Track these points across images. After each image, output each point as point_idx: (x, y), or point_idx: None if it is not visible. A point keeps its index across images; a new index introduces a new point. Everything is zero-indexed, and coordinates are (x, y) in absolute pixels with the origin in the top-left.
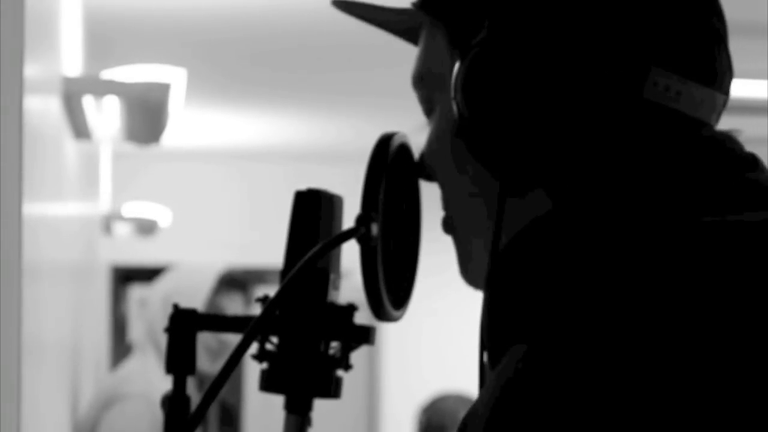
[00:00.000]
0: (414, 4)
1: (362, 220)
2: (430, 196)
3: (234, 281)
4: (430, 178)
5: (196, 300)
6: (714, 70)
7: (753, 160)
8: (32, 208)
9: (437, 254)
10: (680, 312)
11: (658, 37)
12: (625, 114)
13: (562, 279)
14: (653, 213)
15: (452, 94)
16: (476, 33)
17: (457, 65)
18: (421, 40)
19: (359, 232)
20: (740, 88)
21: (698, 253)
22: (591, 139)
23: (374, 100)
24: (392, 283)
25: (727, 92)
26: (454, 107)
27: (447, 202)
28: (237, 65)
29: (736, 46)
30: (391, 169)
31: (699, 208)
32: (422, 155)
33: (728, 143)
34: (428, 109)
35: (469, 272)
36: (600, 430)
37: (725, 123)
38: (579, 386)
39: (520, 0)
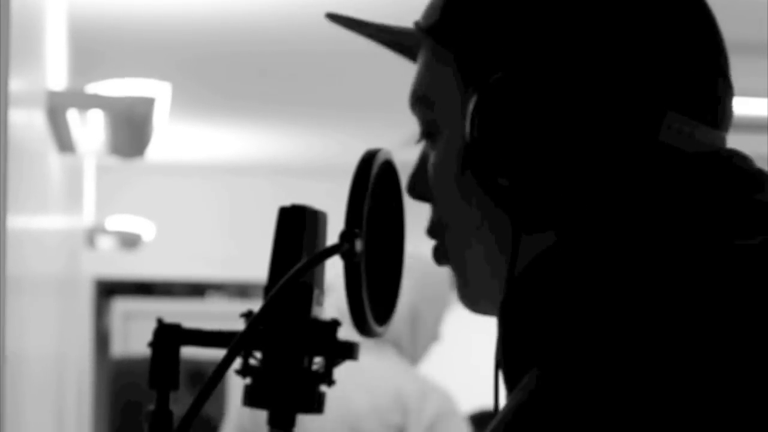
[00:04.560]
0: (420, 28)
1: (346, 236)
2: (415, 212)
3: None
4: (421, 198)
5: None
6: (722, 112)
7: (763, 179)
8: (16, 221)
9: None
10: (705, 340)
11: (672, 80)
12: (640, 156)
13: (580, 304)
14: (666, 238)
15: (467, 128)
16: (490, 67)
17: (473, 101)
18: (422, 61)
19: (343, 248)
20: (740, 106)
21: (718, 277)
22: (606, 181)
23: (360, 114)
24: (376, 298)
25: (727, 132)
26: (468, 140)
27: (443, 229)
28: (222, 79)
29: (736, 64)
30: (375, 185)
31: (708, 232)
32: (416, 177)
33: (736, 160)
34: (427, 132)
35: (468, 298)
36: None
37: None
38: (594, 412)
39: (540, 38)
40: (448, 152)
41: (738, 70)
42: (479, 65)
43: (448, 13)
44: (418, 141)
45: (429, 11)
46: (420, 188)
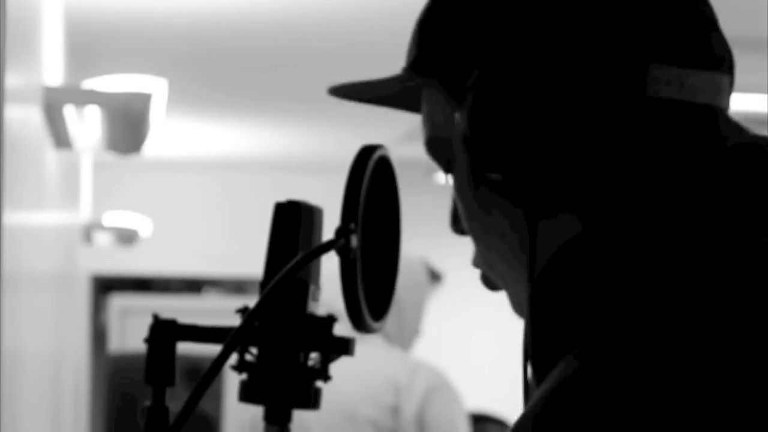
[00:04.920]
0: (404, 70)
1: (342, 231)
2: (411, 209)
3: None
4: (463, 233)
5: None
6: (711, 52)
7: None
8: (12, 218)
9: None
10: (738, 329)
11: (651, 32)
12: (633, 116)
13: (613, 293)
14: (695, 228)
15: (461, 142)
16: (468, 74)
17: (464, 110)
18: (423, 103)
19: (339, 243)
20: (740, 102)
21: (750, 271)
22: (607, 151)
23: (356, 110)
24: (371, 294)
25: (730, 72)
26: (465, 154)
27: (483, 260)
28: (218, 75)
29: (736, 61)
30: (371, 181)
31: (734, 226)
32: (455, 212)
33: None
34: (446, 168)
35: (518, 306)
36: None
37: None
38: (629, 400)
39: (506, 32)
40: (460, 172)
41: (738, 66)
42: (460, 80)
43: (421, 43)
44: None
45: (409, 50)
46: (460, 223)
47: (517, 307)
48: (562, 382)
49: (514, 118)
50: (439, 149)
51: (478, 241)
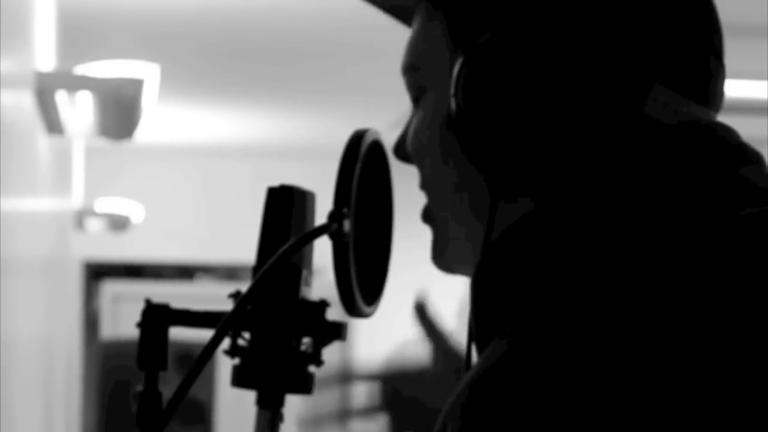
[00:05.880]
0: None
1: (334, 216)
2: (405, 194)
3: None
4: (406, 159)
5: None
6: (713, 90)
7: (746, 152)
8: (6, 203)
9: (410, 251)
10: (686, 307)
11: (663, 54)
12: (625, 128)
13: (554, 270)
14: (642, 207)
15: (452, 89)
16: (479, 28)
17: (459, 62)
18: (416, 25)
19: (331, 228)
20: (740, 89)
21: (696, 246)
22: (587, 151)
23: (346, 97)
24: (364, 279)
25: (718, 112)
26: (452, 102)
27: (427, 189)
28: (211, 61)
29: (736, 47)
30: (363, 165)
31: (688, 204)
32: (403, 139)
33: (720, 132)
34: (416, 97)
35: (443, 258)
36: (575, 422)
37: (725, 122)
38: (561, 377)
39: (526, 7)
40: (431, 112)
41: (738, 52)
42: (468, 26)
43: None
44: (412, 108)
45: None
46: (405, 150)
47: (440, 256)
48: (488, 368)
49: (512, 91)
50: (415, 76)
51: (430, 183)
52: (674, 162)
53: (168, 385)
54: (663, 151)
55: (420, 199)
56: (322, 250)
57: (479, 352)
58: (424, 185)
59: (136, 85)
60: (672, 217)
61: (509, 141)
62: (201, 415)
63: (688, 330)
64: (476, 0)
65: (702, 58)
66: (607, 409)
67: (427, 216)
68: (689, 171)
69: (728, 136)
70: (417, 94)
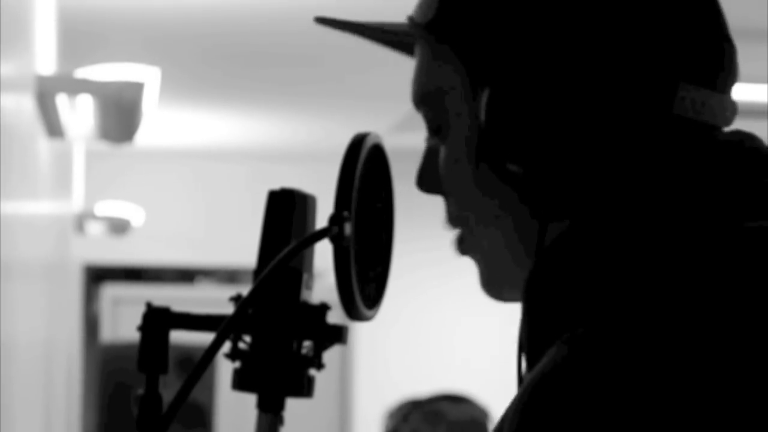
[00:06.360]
0: (417, 25)
1: (335, 219)
2: (405, 196)
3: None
4: (431, 191)
5: None
6: (729, 74)
7: None
8: (6, 207)
9: (410, 254)
10: (732, 316)
11: (681, 50)
12: (658, 135)
13: (610, 278)
14: (680, 220)
15: (482, 117)
16: (494, 57)
17: (485, 93)
18: (421, 57)
19: (332, 231)
20: (741, 92)
21: (746, 257)
22: (623, 163)
23: (345, 101)
24: (365, 282)
25: (732, 90)
26: (480, 129)
27: (463, 221)
28: (211, 65)
29: (738, 50)
30: (364, 168)
31: (718, 215)
32: (425, 170)
33: (748, 143)
34: (436, 128)
35: (494, 286)
36: (636, 424)
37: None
38: (621, 381)
39: (544, 23)
40: (460, 144)
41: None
42: (483, 57)
43: (445, 8)
44: (428, 138)
45: (424, 7)
46: (430, 182)
47: (490, 284)
48: (550, 370)
49: (539, 113)
50: (431, 108)
51: (468, 214)
52: (708, 175)
53: (168, 389)
54: (698, 163)
55: (420, 202)
56: (323, 253)
57: (532, 360)
58: (458, 220)
59: (137, 88)
60: (713, 226)
61: (543, 161)
62: (201, 419)
63: (742, 336)
64: (488, 29)
65: (716, 45)
66: (668, 411)
67: (466, 248)
68: (722, 184)
69: (758, 144)
70: (436, 124)
